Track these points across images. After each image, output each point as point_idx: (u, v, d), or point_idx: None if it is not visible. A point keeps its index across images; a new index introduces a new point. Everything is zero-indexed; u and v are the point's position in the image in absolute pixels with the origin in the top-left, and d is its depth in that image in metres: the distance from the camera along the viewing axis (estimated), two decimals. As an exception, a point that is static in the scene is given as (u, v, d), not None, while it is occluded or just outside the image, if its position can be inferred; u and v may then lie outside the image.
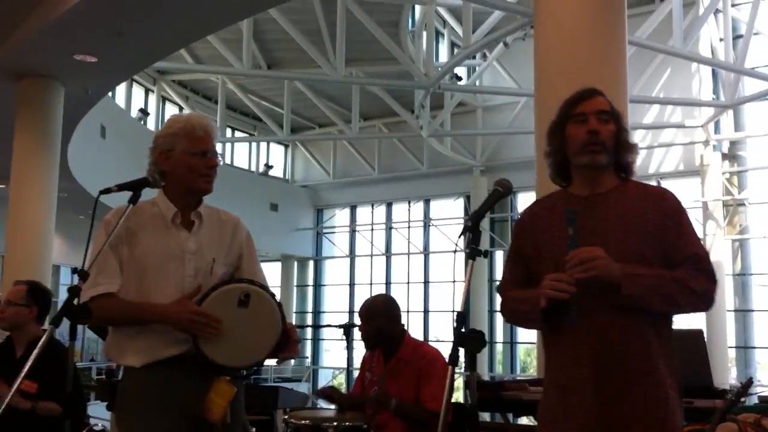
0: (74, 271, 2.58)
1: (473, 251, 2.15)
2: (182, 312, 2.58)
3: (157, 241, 2.72)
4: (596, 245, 2.17)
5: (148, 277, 2.66)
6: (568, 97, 2.41)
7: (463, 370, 2.35)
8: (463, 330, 2.13)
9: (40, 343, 2.57)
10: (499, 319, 18.06)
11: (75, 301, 2.54)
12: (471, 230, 2.17)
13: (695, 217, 16.11)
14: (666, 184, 16.84)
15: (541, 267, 2.27)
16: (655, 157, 17.09)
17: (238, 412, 2.73)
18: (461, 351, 2.13)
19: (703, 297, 2.23)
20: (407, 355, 3.95)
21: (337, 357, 21.93)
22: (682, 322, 2.56)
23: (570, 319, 2.16)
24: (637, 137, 16.50)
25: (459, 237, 2.23)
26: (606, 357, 2.20)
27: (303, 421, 3.66)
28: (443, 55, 18.44)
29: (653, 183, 16.68)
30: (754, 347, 16.23)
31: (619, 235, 2.23)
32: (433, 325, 20.11)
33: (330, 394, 4.06)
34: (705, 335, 3.57)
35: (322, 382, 21.81)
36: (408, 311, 19.67)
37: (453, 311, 2.16)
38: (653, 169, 17.05)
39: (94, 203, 2.61)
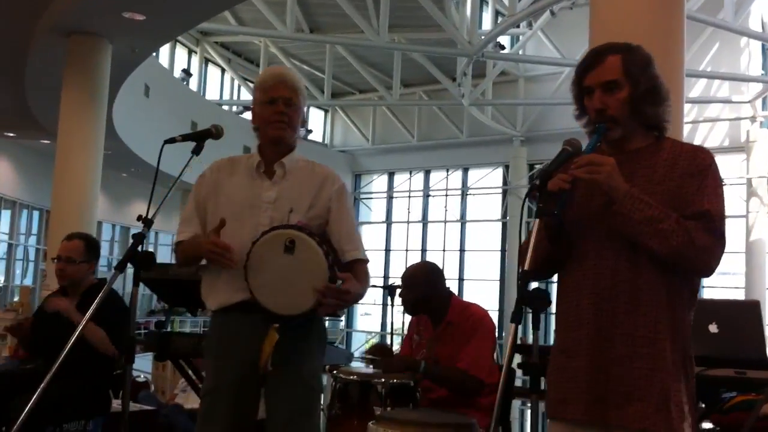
0: (139, 218, 2.62)
1: (541, 210, 2.13)
2: (206, 243, 2.65)
3: (239, 190, 2.80)
4: None
5: (228, 224, 2.69)
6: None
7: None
8: (527, 288, 2.12)
9: (103, 291, 2.61)
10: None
11: (139, 248, 2.58)
12: (539, 189, 2.14)
13: (739, 194, 15.87)
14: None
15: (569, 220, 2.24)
16: (700, 131, 16.83)
17: (293, 363, 2.69)
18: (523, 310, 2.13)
19: (701, 252, 2.08)
20: (455, 317, 3.95)
21: (371, 321, 22.07)
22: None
23: (560, 206, 2.11)
24: (684, 111, 16.22)
25: (526, 196, 2.21)
26: (607, 318, 2.15)
27: (351, 377, 3.69)
28: (487, 23, 18.23)
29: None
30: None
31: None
32: (468, 293, 20.12)
33: (378, 350, 4.09)
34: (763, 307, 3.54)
35: (356, 345, 21.99)
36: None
37: (517, 279, 2.14)
38: (698, 143, 16.71)
39: (160, 153, 2.63)
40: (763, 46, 15.97)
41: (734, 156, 16.26)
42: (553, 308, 2.36)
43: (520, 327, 2.08)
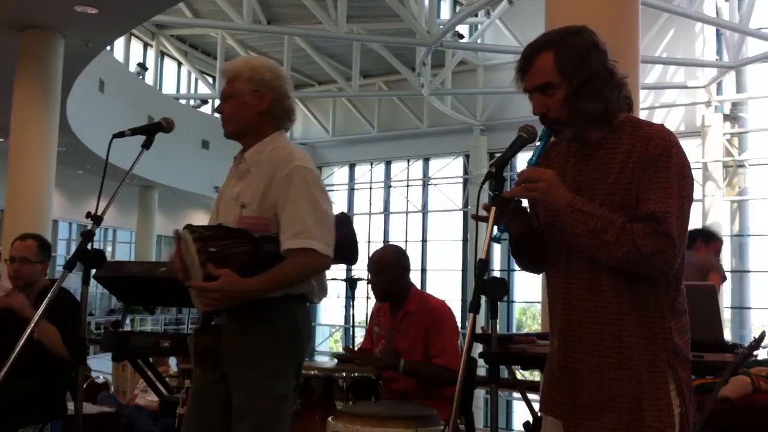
0: (88, 215, 2.56)
1: (496, 198, 2.10)
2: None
3: (223, 187, 2.84)
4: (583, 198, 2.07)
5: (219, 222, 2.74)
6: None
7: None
8: (484, 277, 2.10)
9: (52, 290, 2.56)
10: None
11: (89, 246, 2.52)
12: (495, 177, 2.11)
13: (696, 178, 16.10)
14: (667, 145, 16.81)
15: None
16: (657, 117, 16.99)
17: (236, 370, 2.62)
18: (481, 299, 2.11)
19: (649, 258, 1.97)
20: (414, 307, 3.94)
21: (333, 314, 22.02)
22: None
23: (501, 227, 2.08)
24: (639, 97, 16.40)
25: (482, 184, 2.18)
26: (573, 330, 2.12)
27: (312, 372, 3.66)
28: (445, 13, 18.24)
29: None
30: (750, 308, 16.31)
31: (602, 190, 2.10)
32: (430, 283, 20.16)
33: (348, 353, 4.07)
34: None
35: (319, 339, 21.93)
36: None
37: (474, 267, 2.13)
38: (654, 129, 16.99)
39: (108, 147, 2.56)
40: (717, 31, 16.14)
41: (690, 141, 16.45)
42: (514, 297, 2.35)
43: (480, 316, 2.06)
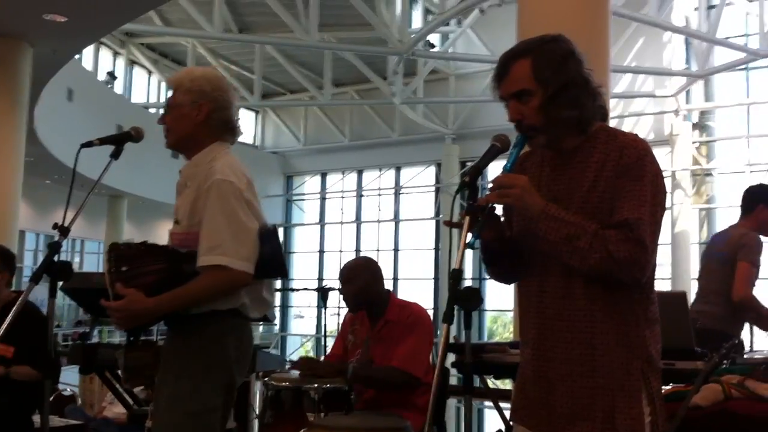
0: (54, 226, 2.51)
1: (470, 207, 2.09)
2: None
3: None
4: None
5: None
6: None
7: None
8: (458, 287, 2.08)
9: (18, 303, 2.52)
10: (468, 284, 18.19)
11: (55, 258, 2.48)
12: (468, 186, 2.10)
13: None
14: (636, 153, 16.95)
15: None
16: (626, 126, 17.15)
17: (160, 387, 2.64)
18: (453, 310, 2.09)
19: (622, 264, 1.98)
20: (394, 315, 3.90)
21: (305, 324, 21.93)
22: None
23: (475, 234, 2.05)
24: (609, 106, 16.54)
25: (456, 193, 2.17)
26: (546, 338, 2.12)
27: (283, 384, 3.62)
28: (417, 21, 18.29)
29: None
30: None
31: (577, 199, 2.10)
32: (402, 292, 20.13)
33: (304, 364, 3.96)
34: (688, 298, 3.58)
35: (291, 348, 21.83)
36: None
37: (449, 277, 2.11)
38: (623, 138, 17.15)
39: (75, 157, 2.52)
40: (686, 40, 16.35)
41: (659, 149, 16.59)
42: (486, 305, 2.33)
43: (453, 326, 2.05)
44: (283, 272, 2.78)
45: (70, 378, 7.95)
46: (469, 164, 18.84)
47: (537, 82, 2.10)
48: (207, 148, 2.72)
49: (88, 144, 2.62)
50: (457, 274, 2.06)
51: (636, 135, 2.17)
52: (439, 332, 3.57)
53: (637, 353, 2.08)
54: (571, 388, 2.08)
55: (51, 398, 5.85)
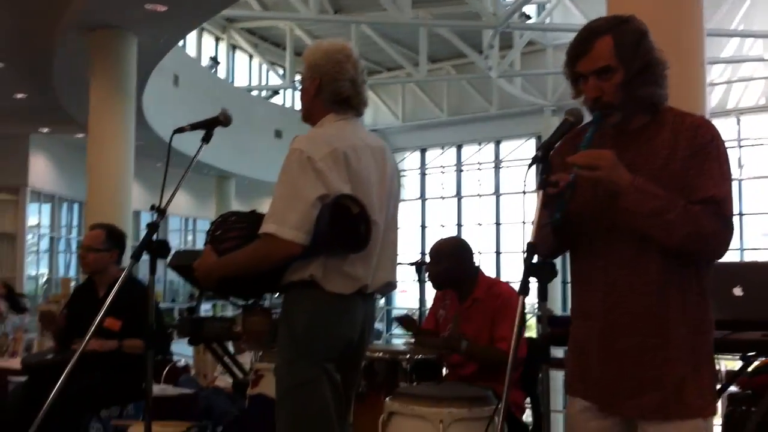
0: (152, 207, 2.68)
1: (543, 182, 2.11)
2: None
3: None
4: None
5: None
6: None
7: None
8: (533, 261, 2.12)
9: (120, 280, 2.70)
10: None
11: (154, 237, 2.64)
12: (541, 161, 2.13)
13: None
14: (746, 119, 16.34)
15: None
16: (734, 92, 16.52)
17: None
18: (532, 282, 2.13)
19: (710, 239, 2.03)
20: (481, 294, 3.96)
21: (409, 298, 22.11)
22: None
23: (560, 207, 2.08)
24: (715, 72, 15.95)
25: (528, 168, 2.20)
26: (615, 312, 2.13)
27: (377, 354, 3.73)
28: (512, -7, 18.00)
29: (732, 119, 16.24)
30: None
31: (645, 176, 2.09)
32: (505, 266, 20.07)
33: (407, 320, 4.13)
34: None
35: (395, 323, 22.04)
36: (479, 253, 19.65)
37: (523, 251, 2.14)
38: (732, 104, 16.50)
39: (169, 142, 2.68)
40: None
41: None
42: (566, 278, 2.35)
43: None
44: (353, 245, 2.62)
45: (184, 350, 8.33)
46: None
47: (619, 60, 2.12)
48: (321, 120, 2.78)
49: (180, 130, 2.77)
50: (531, 248, 2.10)
51: (704, 116, 2.21)
52: (535, 307, 3.62)
53: (706, 326, 2.12)
54: (641, 360, 2.10)
55: (166, 369, 6.17)
